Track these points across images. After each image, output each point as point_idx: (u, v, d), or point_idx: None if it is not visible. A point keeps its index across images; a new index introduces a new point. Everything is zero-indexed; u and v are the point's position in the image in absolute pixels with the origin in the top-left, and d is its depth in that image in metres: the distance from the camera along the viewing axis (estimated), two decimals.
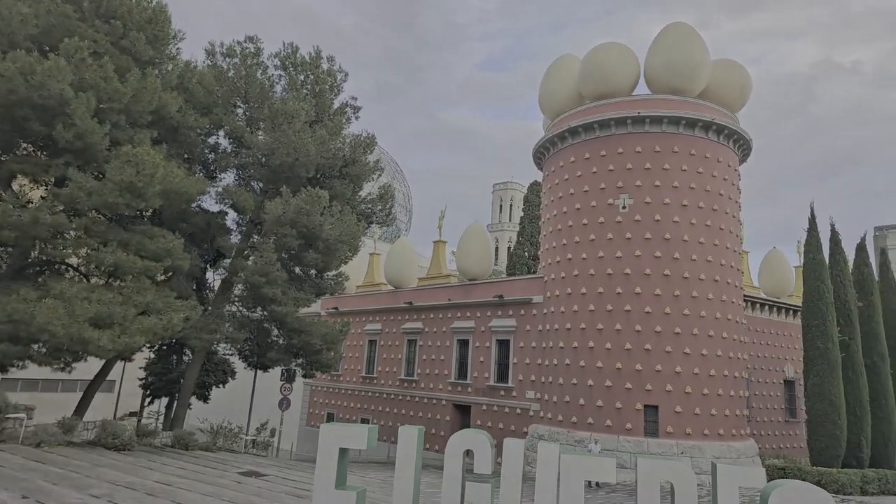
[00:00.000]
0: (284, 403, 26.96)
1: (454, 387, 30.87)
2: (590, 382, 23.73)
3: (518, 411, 27.33)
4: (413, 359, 33.95)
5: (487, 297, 29.94)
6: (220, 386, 27.73)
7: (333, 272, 25.99)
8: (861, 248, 27.40)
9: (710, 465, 6.02)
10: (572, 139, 26.60)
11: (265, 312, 24.09)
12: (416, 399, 32.66)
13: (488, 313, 29.98)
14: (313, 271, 25.79)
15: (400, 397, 33.77)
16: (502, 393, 28.39)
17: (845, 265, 25.84)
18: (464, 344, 31.14)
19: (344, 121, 27.02)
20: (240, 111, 25.73)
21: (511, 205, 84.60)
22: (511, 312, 28.83)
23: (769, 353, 29.73)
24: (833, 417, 23.19)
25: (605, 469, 5.66)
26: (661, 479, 5.55)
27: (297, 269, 25.23)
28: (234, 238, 26.10)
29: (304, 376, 26.14)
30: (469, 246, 32.33)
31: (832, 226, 25.96)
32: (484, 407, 28.97)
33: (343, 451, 6.06)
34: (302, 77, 26.01)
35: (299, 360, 25.14)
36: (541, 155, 29.46)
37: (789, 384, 30.64)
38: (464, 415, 30.08)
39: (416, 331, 33.90)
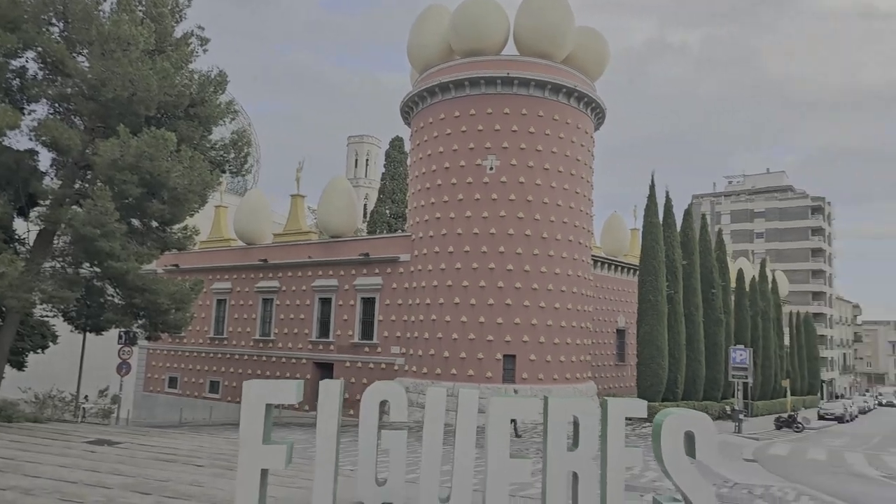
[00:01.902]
0: (124, 368, 24.10)
1: (315, 345, 30.04)
2: (454, 336, 24.57)
3: (382, 366, 27.46)
4: (269, 318, 32.31)
5: (352, 255, 29.23)
6: (40, 351, 23.96)
7: (179, 225, 23.43)
8: (688, 214, 31.70)
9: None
10: (442, 95, 26.46)
11: (97, 269, 21.05)
12: (274, 359, 31.29)
13: (353, 272, 29.36)
14: (155, 223, 23.02)
15: (255, 357, 32.10)
16: (367, 350, 28.25)
17: (675, 228, 29.76)
18: (326, 302, 30.27)
19: (190, 52, 23.99)
20: (55, 30, 21.53)
21: (367, 160, 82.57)
22: (377, 270, 28.53)
23: (605, 305, 33.17)
24: (658, 360, 27.20)
25: (530, 408, 6.05)
26: (569, 415, 5.91)
27: (135, 221, 22.32)
28: (51, 182, 22.22)
29: (148, 338, 23.53)
30: (332, 201, 31.07)
31: (667, 193, 30.03)
32: (347, 364, 28.64)
33: (269, 407, 5.59)
34: None
35: (141, 321, 22.51)
36: (408, 109, 28.95)
37: (620, 332, 34.69)
38: (325, 372, 29.40)
39: (273, 289, 32.19)
